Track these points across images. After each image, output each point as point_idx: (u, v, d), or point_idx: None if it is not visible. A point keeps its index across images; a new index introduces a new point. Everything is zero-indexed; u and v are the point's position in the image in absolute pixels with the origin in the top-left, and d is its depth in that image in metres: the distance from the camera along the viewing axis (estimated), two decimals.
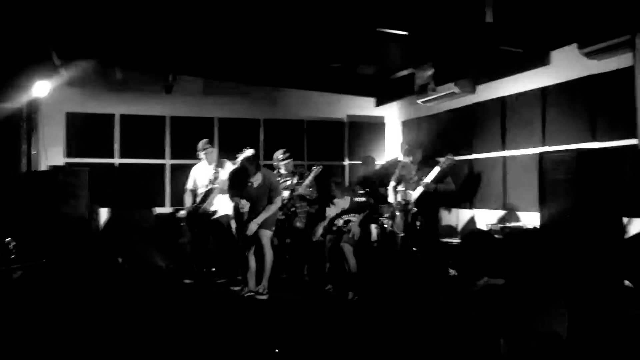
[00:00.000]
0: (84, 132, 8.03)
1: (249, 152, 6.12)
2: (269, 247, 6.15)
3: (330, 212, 6.40)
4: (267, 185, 6.18)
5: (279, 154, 7.11)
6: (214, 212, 6.80)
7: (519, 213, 6.47)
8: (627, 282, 4.49)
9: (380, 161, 9.01)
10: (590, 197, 4.47)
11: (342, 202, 6.38)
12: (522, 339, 1.48)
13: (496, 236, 5.92)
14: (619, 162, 4.77)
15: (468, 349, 2.12)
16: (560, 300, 1.53)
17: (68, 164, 7.85)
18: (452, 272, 5.65)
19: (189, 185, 7.07)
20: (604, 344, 3.08)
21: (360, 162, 8.73)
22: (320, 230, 6.42)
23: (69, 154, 7.98)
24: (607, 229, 4.45)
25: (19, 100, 7.49)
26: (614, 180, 4.60)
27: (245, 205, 6.10)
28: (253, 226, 6.03)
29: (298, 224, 6.99)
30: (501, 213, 6.76)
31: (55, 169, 7.51)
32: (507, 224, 6.26)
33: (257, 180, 6.12)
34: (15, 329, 4.16)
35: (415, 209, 6.49)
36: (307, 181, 6.90)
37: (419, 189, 6.42)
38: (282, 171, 7.06)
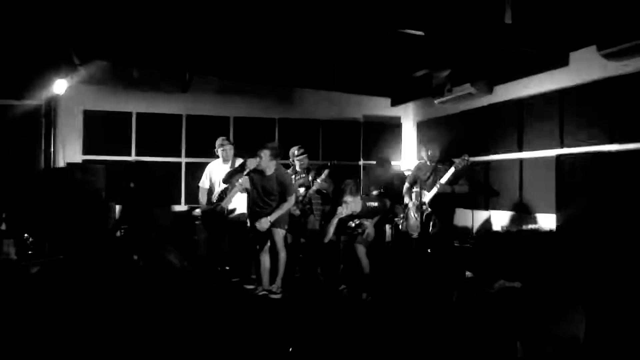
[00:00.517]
0: (101, 129, 8.11)
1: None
2: (282, 245, 6.12)
3: (341, 210, 6.27)
4: (277, 180, 6.09)
5: (294, 150, 7.10)
6: (233, 210, 6.77)
7: (536, 215, 6.42)
8: None
9: (395, 162, 8.98)
10: (608, 200, 4.42)
11: (352, 204, 6.24)
12: (540, 343, 1.46)
13: (512, 238, 5.88)
14: (637, 164, 4.72)
15: (483, 351, 2.11)
16: (578, 304, 1.52)
17: (85, 161, 7.93)
18: (468, 274, 5.61)
19: (204, 183, 7.05)
20: (622, 349, 3.04)
21: (375, 162, 8.71)
22: (331, 231, 6.32)
23: (87, 151, 8.05)
24: (625, 232, 4.40)
25: (38, 98, 7.59)
26: (632, 183, 4.54)
27: (244, 182, 6.07)
28: (265, 223, 6.00)
29: (309, 224, 6.96)
30: (517, 215, 6.71)
31: (72, 166, 7.60)
32: (523, 226, 6.21)
33: (266, 165, 6.04)
34: (31, 324, 4.20)
35: (430, 209, 6.46)
36: (323, 176, 6.84)
37: (434, 190, 6.39)
38: (298, 168, 7.03)
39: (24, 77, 7.28)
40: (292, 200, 6.20)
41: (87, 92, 7.95)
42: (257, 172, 6.08)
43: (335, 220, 6.25)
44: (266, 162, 6.05)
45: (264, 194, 6.11)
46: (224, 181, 6.43)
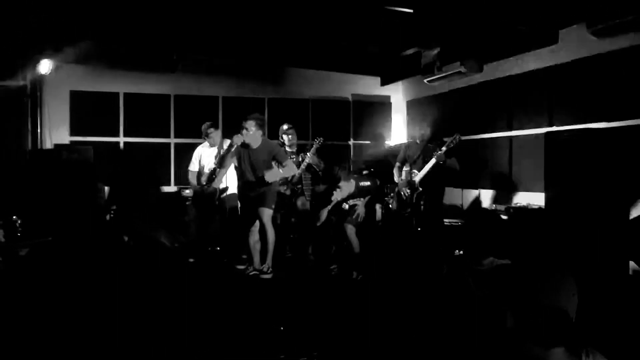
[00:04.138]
0: (89, 110, 8.03)
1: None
2: (270, 225, 6.08)
3: (337, 196, 6.33)
4: (268, 152, 5.97)
5: (283, 126, 7.11)
6: (225, 189, 6.68)
7: (525, 193, 6.45)
8: (632, 263, 4.49)
9: (388, 141, 9.00)
10: (597, 178, 4.44)
11: (347, 186, 6.29)
12: (530, 314, 1.47)
13: (502, 216, 5.92)
14: (626, 141, 4.74)
15: (473, 324, 2.12)
16: (568, 277, 1.52)
17: (73, 142, 7.86)
18: (457, 252, 5.64)
19: (193, 167, 7.00)
20: (609, 322, 3.08)
21: (366, 142, 8.69)
22: (324, 214, 6.37)
23: (74, 132, 7.98)
24: (613, 209, 4.43)
25: (23, 78, 7.48)
26: (621, 160, 4.57)
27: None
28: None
29: (300, 204, 6.96)
30: (507, 193, 6.74)
31: (59, 147, 7.53)
32: (513, 204, 6.24)
33: (253, 137, 5.92)
34: (22, 305, 4.19)
35: (420, 188, 6.47)
36: (313, 149, 6.81)
37: (432, 162, 6.34)
38: (287, 148, 6.99)
39: (7, 57, 7.16)
40: (291, 164, 6.18)
41: (73, 72, 7.86)
42: (244, 146, 5.99)
43: (329, 206, 6.32)
44: (252, 133, 5.91)
45: (252, 170, 6.01)
46: (219, 165, 6.37)
